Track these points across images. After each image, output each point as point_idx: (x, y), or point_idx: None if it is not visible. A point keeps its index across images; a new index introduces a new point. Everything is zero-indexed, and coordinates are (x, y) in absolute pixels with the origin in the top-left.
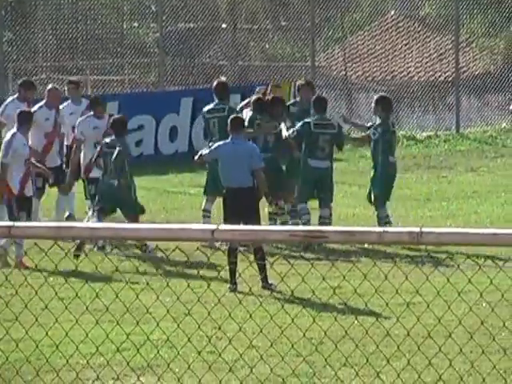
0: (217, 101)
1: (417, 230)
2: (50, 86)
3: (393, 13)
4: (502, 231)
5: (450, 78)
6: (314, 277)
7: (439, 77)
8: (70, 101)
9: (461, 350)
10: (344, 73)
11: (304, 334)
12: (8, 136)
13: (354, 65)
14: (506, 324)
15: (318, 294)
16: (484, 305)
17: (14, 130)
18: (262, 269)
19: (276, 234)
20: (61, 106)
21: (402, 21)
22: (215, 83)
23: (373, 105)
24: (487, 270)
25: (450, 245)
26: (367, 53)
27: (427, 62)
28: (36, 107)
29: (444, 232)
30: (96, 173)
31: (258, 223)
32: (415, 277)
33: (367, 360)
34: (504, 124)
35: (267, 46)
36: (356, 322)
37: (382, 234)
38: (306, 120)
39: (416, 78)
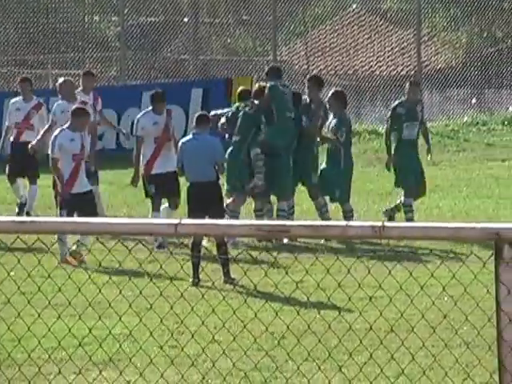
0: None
1: (379, 224)
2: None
3: (354, 7)
4: (463, 225)
5: (412, 72)
6: (276, 271)
7: (401, 71)
8: (21, 97)
9: (423, 345)
10: (306, 67)
11: (266, 329)
12: (56, 132)
13: (315, 59)
14: (469, 318)
15: (281, 288)
16: (446, 299)
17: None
18: (225, 263)
19: (239, 229)
20: (12, 100)
21: (364, 15)
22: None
23: (327, 100)
24: (449, 264)
25: (412, 239)
26: (329, 47)
27: (389, 56)
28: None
29: (406, 226)
30: (159, 169)
31: (222, 217)
32: (378, 271)
33: (329, 354)
34: (466, 118)
35: (229, 41)
36: (318, 316)
37: (345, 229)
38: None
39: (378, 72)
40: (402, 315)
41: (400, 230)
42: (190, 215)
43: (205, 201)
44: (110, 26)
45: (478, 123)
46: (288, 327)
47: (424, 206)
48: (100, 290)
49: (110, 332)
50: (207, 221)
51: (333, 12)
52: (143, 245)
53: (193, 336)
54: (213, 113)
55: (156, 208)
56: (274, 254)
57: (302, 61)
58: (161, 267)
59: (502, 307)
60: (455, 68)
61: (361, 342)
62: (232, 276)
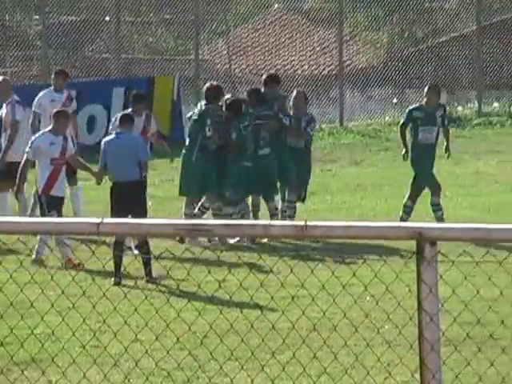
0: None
1: (302, 223)
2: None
3: (276, 6)
4: (385, 224)
5: (334, 72)
6: (198, 270)
7: (323, 70)
8: None
9: (345, 343)
10: (228, 66)
11: (189, 328)
12: (36, 134)
13: (237, 58)
14: (390, 317)
15: (203, 287)
16: (368, 298)
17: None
18: (147, 262)
19: (160, 228)
20: None
21: (286, 14)
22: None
23: (294, 100)
24: (371, 263)
25: (334, 238)
26: (251, 46)
27: (311, 56)
28: None
29: (329, 225)
30: None
31: (145, 216)
32: (300, 270)
33: (252, 353)
34: (387, 117)
35: (151, 40)
36: (241, 315)
37: (268, 228)
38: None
39: (300, 71)
40: (324, 314)
41: (323, 230)
42: (113, 214)
43: (128, 200)
44: (32, 25)
45: (399, 123)
46: (211, 326)
47: (346, 206)
48: (21, 290)
49: (32, 332)
50: (129, 220)
51: (255, 11)
52: (66, 244)
53: (115, 335)
54: (188, 115)
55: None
56: (197, 252)
57: (224, 60)
58: (83, 266)
59: (424, 306)
60: (376, 68)
61: (283, 341)
62: (154, 275)
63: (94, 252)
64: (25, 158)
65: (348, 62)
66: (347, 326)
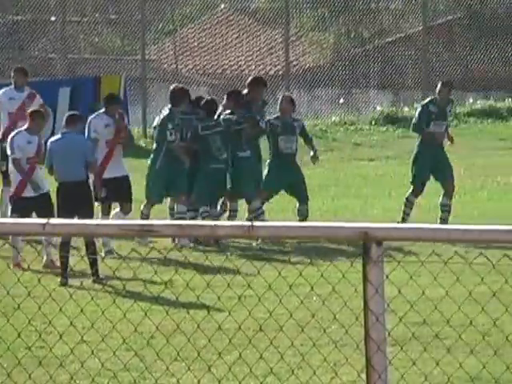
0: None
1: (248, 223)
2: None
3: (223, 6)
4: (331, 224)
5: (281, 72)
6: (145, 270)
7: (269, 70)
8: None
9: (292, 343)
10: (175, 66)
11: (135, 329)
12: (13, 133)
13: (184, 58)
14: (337, 317)
15: (149, 288)
16: (315, 298)
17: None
18: (94, 263)
19: (107, 228)
20: None
21: (233, 14)
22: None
23: (283, 105)
24: (318, 264)
25: (281, 238)
26: (198, 46)
27: (258, 56)
28: None
29: (275, 226)
30: (110, 174)
31: (91, 217)
32: (247, 270)
33: (198, 354)
34: (334, 118)
35: (97, 39)
36: (187, 315)
37: (214, 228)
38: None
39: (247, 71)
40: (270, 314)
41: (269, 230)
42: (59, 215)
43: (74, 201)
44: None
45: (345, 123)
46: (157, 327)
47: (293, 206)
48: None
49: None
50: (75, 221)
51: (201, 11)
52: (10, 245)
53: (61, 336)
54: (154, 124)
55: (105, 212)
56: (143, 252)
57: (171, 60)
58: (28, 267)
59: (370, 306)
60: (323, 68)
61: (230, 341)
62: (101, 275)
63: (39, 252)
64: (12, 158)
65: (295, 62)
66: (294, 326)
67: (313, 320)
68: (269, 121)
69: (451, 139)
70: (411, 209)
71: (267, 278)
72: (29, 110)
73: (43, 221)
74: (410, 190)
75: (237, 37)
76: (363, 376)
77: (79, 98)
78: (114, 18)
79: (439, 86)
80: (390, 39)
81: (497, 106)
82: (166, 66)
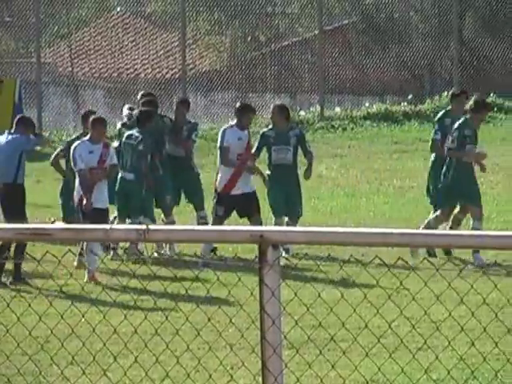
0: None
1: (143, 227)
2: None
3: (119, 9)
4: (228, 228)
5: (177, 75)
6: (40, 275)
7: (166, 74)
8: None
9: (188, 347)
10: (70, 69)
11: (30, 333)
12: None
13: (80, 61)
14: (233, 320)
15: (45, 292)
16: (212, 301)
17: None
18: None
19: (2, 232)
20: None
21: (129, 17)
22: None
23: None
24: (214, 267)
25: (175, 242)
26: (94, 49)
27: (154, 59)
28: None
29: (171, 229)
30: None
31: (22, 220)
32: (144, 274)
33: (94, 358)
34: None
35: None
36: (83, 319)
37: (109, 232)
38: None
39: (143, 75)
40: (167, 318)
41: (165, 233)
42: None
43: (2, 203)
44: None
45: None
46: (52, 331)
47: (190, 209)
48: None
49: None
50: None
51: (97, 14)
52: None
53: None
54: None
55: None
56: (38, 256)
57: (67, 63)
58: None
59: (266, 309)
60: (220, 71)
61: (126, 345)
62: (3, 280)
63: None
64: (78, 170)
65: (191, 66)
66: (190, 329)
67: (209, 323)
68: (264, 133)
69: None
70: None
71: (163, 282)
72: (91, 119)
73: None
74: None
75: (133, 40)
76: (259, 379)
77: None
78: (8, 21)
79: (450, 97)
80: (286, 43)
81: (392, 109)
82: (61, 69)
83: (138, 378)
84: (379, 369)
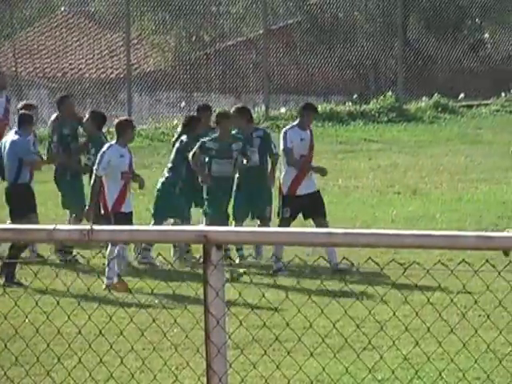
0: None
1: (87, 227)
2: None
3: (63, 9)
4: (172, 228)
5: (122, 75)
6: (3, 276)
7: (111, 73)
8: None
9: (132, 347)
10: (14, 69)
11: None
12: (104, 147)
13: (24, 61)
14: (178, 320)
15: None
16: (156, 302)
17: (113, 141)
18: (6, 265)
19: None
20: None
21: (73, 17)
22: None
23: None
24: (160, 268)
25: (120, 242)
26: (37, 49)
27: (98, 59)
28: None
29: (113, 229)
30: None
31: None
32: (87, 274)
33: (38, 359)
34: (176, 121)
35: None
36: (27, 320)
37: (53, 232)
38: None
39: (87, 74)
40: (111, 318)
41: (108, 234)
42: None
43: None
44: None
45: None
46: None
47: (138, 210)
48: None
49: None
50: None
51: (41, 14)
52: None
53: None
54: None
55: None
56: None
57: (11, 63)
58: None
59: (210, 310)
60: (164, 71)
61: (69, 345)
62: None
63: None
64: (94, 175)
65: (136, 66)
66: (135, 329)
67: (154, 324)
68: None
69: None
70: None
71: (103, 282)
72: (116, 121)
73: None
74: None
75: (77, 40)
76: (204, 379)
77: None
78: None
79: None
80: (230, 43)
81: (337, 109)
82: (5, 69)
83: (82, 378)
84: (324, 369)
